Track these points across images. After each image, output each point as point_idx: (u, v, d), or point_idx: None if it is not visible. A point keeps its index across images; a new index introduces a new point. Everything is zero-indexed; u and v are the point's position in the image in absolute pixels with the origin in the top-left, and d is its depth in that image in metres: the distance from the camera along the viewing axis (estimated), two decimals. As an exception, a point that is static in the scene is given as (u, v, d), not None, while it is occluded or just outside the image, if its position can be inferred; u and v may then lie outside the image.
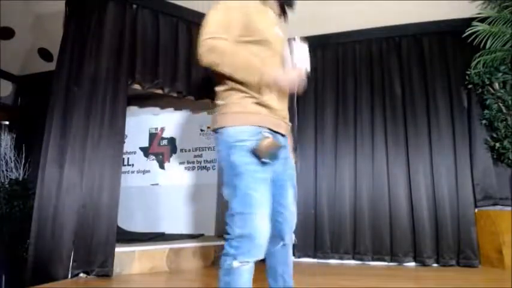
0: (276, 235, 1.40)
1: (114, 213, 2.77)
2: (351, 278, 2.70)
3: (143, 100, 4.36)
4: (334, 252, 3.33)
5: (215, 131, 1.38)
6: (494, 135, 3.08)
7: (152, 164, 4.39)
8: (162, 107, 4.44)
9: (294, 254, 3.43)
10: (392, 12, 3.42)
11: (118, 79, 2.90)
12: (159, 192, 4.25)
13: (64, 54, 2.95)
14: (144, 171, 4.39)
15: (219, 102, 1.41)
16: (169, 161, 4.33)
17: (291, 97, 1.50)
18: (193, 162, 4.23)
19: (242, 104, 1.33)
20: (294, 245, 1.56)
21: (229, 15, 1.37)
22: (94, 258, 2.62)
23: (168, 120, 4.41)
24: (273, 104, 1.36)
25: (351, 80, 3.64)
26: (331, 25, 3.62)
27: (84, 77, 2.81)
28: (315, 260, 3.35)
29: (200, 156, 4.22)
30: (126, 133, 3.12)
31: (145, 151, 4.45)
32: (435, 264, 3.09)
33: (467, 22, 3.11)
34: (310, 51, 1.37)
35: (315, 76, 3.61)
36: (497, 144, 3.04)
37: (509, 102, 3.01)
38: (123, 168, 4.06)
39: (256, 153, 1.27)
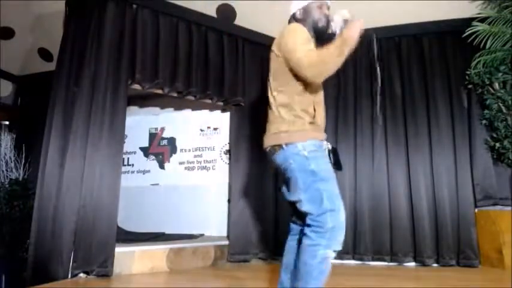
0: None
1: (114, 213, 2.77)
2: (351, 278, 2.70)
3: (143, 100, 4.36)
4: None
5: (274, 147, 1.61)
6: (494, 135, 3.08)
7: (152, 164, 4.39)
8: (162, 107, 4.44)
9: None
10: (392, 12, 3.42)
11: (118, 79, 2.90)
12: (159, 192, 4.25)
13: (64, 54, 2.95)
14: (144, 171, 4.38)
15: (275, 122, 1.64)
16: (169, 161, 4.33)
17: None
18: (193, 162, 4.23)
19: (301, 123, 1.60)
20: None
21: (304, 32, 1.61)
22: (94, 258, 2.61)
23: (168, 120, 4.41)
24: (321, 123, 1.66)
25: (351, 80, 3.64)
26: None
27: (84, 77, 2.81)
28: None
29: (200, 156, 4.22)
30: (126, 133, 3.12)
31: (145, 151, 4.45)
32: (435, 264, 3.09)
33: (467, 22, 3.11)
34: None
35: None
36: (497, 144, 3.04)
37: (509, 102, 3.01)
38: (123, 168, 4.06)
39: (332, 161, 1.61)
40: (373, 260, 3.26)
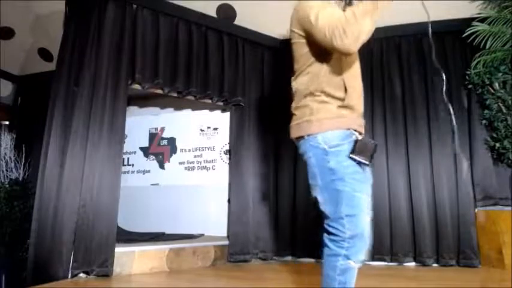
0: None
1: (114, 213, 2.77)
2: (351, 278, 2.69)
3: (143, 100, 4.36)
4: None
5: (299, 138, 1.41)
6: (494, 135, 3.08)
7: (152, 164, 4.39)
8: (162, 107, 4.44)
9: (293, 254, 3.45)
10: (392, 12, 3.41)
11: (118, 79, 2.90)
12: (159, 192, 4.25)
13: (64, 54, 2.95)
14: (144, 171, 4.39)
15: (298, 110, 1.42)
16: (169, 161, 4.33)
17: None
18: (193, 162, 4.23)
19: (327, 109, 1.35)
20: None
21: (332, 7, 1.36)
22: (94, 258, 2.61)
23: (168, 120, 4.41)
24: (356, 104, 1.38)
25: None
26: (331, 25, 3.62)
27: (84, 77, 2.81)
28: (315, 260, 3.35)
29: (200, 156, 4.22)
30: (126, 133, 3.12)
31: (145, 151, 4.45)
32: (435, 264, 3.09)
33: (467, 22, 3.11)
34: None
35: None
36: (497, 144, 3.04)
37: (509, 102, 3.01)
38: (123, 168, 4.06)
39: (353, 155, 1.31)
40: (373, 260, 3.26)
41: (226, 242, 3.36)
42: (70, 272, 2.55)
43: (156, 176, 4.33)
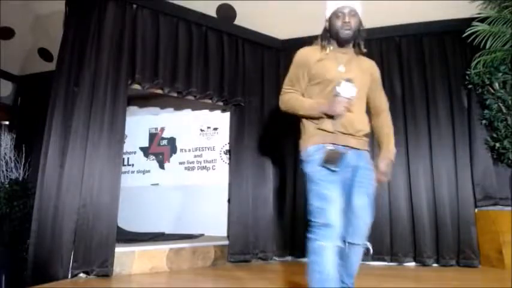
0: (345, 234, 1.66)
1: (114, 213, 2.77)
2: (351, 278, 2.70)
3: (143, 100, 4.36)
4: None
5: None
6: (494, 135, 3.08)
7: (152, 164, 4.39)
8: (162, 107, 4.44)
9: (293, 254, 3.45)
10: (392, 12, 3.42)
11: (118, 79, 2.90)
12: (159, 192, 4.25)
13: (64, 54, 2.95)
14: (144, 171, 4.39)
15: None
16: (169, 161, 4.33)
17: None
18: (193, 162, 4.23)
19: (308, 130, 1.75)
20: (365, 252, 1.75)
21: (296, 71, 1.78)
22: (94, 258, 2.61)
23: (168, 120, 4.41)
24: (328, 128, 1.67)
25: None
26: (331, 25, 3.62)
27: (84, 77, 2.81)
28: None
29: (200, 156, 4.22)
30: (126, 133, 3.12)
31: (145, 151, 4.45)
32: (435, 264, 3.09)
33: (467, 22, 3.11)
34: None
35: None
36: (497, 144, 3.04)
37: (509, 102, 3.01)
38: (123, 168, 4.06)
39: (322, 162, 1.62)
40: (373, 260, 3.26)
41: (226, 242, 3.36)
42: (70, 272, 2.55)
43: (156, 176, 4.33)
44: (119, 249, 2.77)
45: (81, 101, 2.77)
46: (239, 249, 3.31)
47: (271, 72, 3.71)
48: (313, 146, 1.68)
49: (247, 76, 3.61)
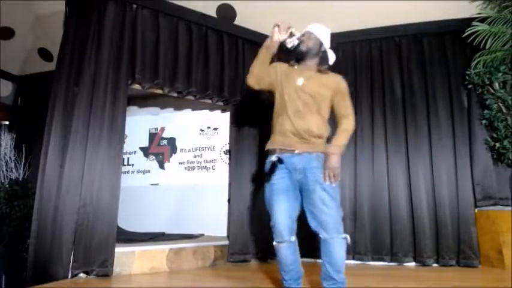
0: (313, 230, 1.87)
1: (114, 213, 2.77)
2: (351, 278, 2.69)
3: (143, 100, 4.36)
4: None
5: None
6: (494, 135, 3.08)
7: (152, 164, 4.39)
8: (162, 107, 4.44)
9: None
10: (392, 12, 3.42)
11: (118, 79, 2.90)
12: (159, 192, 4.25)
13: (64, 54, 2.95)
14: (144, 171, 4.39)
15: None
16: (169, 161, 4.33)
17: None
18: (193, 162, 4.23)
19: (271, 136, 2.05)
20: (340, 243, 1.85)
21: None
22: (94, 258, 2.61)
23: (168, 120, 4.41)
24: (283, 129, 1.96)
25: (351, 80, 3.64)
26: (331, 25, 3.61)
27: (84, 77, 2.80)
28: (315, 260, 3.34)
29: (200, 156, 4.22)
30: (126, 133, 3.12)
31: (145, 151, 4.45)
32: (435, 264, 3.09)
33: (467, 22, 3.11)
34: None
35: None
36: (497, 144, 3.04)
37: (509, 102, 3.01)
38: (123, 168, 4.06)
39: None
40: (373, 260, 3.26)
41: (226, 242, 3.36)
42: (70, 272, 2.55)
43: (156, 176, 4.33)
44: (119, 249, 2.77)
45: (81, 101, 2.77)
46: (239, 249, 3.31)
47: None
48: (268, 157, 1.97)
49: (247, 76, 3.60)
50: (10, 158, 3.94)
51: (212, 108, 4.11)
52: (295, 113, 1.93)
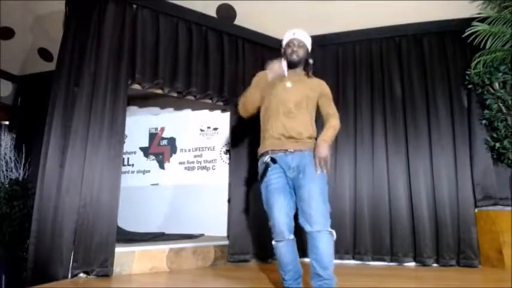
0: (300, 224, 1.88)
1: (114, 213, 2.77)
2: (351, 278, 2.70)
3: (143, 100, 4.36)
4: (335, 252, 3.32)
5: None
6: (494, 135, 3.08)
7: (152, 164, 4.39)
8: (162, 107, 4.44)
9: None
10: (392, 12, 3.42)
11: (118, 79, 2.90)
12: (159, 192, 4.25)
13: (64, 54, 2.95)
14: (144, 171, 4.39)
15: None
16: (169, 161, 4.33)
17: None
18: (193, 162, 4.23)
19: (261, 141, 2.12)
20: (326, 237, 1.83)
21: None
22: (94, 258, 2.61)
23: (168, 120, 4.41)
24: (273, 132, 2.01)
25: (351, 80, 3.65)
26: (331, 25, 3.63)
27: (84, 77, 2.80)
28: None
29: (200, 156, 4.22)
30: (126, 133, 3.12)
31: (145, 151, 4.45)
32: (435, 264, 3.09)
33: (467, 22, 3.11)
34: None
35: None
36: (497, 144, 3.04)
37: (509, 102, 3.02)
38: (123, 168, 4.07)
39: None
40: (373, 260, 3.26)
41: (226, 242, 3.36)
42: (70, 272, 2.55)
43: (156, 176, 4.33)
44: (119, 249, 2.77)
45: (81, 101, 2.77)
46: (239, 249, 3.31)
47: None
48: (260, 159, 2.06)
49: (247, 76, 3.60)
50: (10, 158, 3.94)
51: (212, 108, 4.10)
52: (286, 114, 1.99)
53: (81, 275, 2.60)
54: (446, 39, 3.43)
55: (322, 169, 1.88)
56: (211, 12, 3.53)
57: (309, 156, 1.94)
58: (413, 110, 3.40)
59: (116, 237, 2.76)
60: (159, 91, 3.18)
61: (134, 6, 3.09)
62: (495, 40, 3.05)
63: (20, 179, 3.86)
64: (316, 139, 2.00)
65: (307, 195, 1.86)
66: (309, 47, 2.18)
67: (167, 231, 3.81)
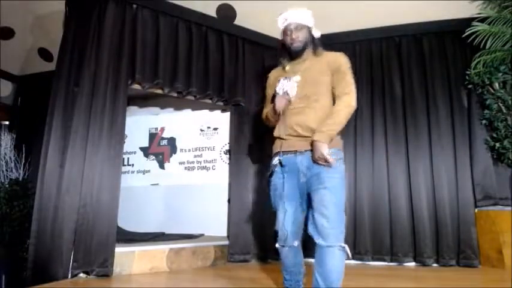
0: (309, 233, 1.73)
1: (114, 213, 2.77)
2: (351, 278, 2.69)
3: (143, 100, 4.36)
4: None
5: None
6: (494, 135, 3.08)
7: (152, 164, 4.39)
8: (162, 107, 4.44)
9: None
10: (393, 12, 3.42)
11: (118, 79, 2.90)
12: (159, 192, 4.25)
13: (64, 54, 2.95)
14: (144, 171, 4.38)
15: None
16: (169, 161, 4.33)
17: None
18: (193, 162, 4.23)
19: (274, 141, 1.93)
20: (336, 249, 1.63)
21: (266, 92, 2.07)
22: (94, 258, 2.61)
23: (168, 120, 4.41)
24: (279, 133, 1.85)
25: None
26: (331, 25, 3.62)
27: (84, 77, 2.80)
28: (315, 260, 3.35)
29: (200, 156, 4.22)
30: (126, 133, 3.12)
31: (145, 151, 4.45)
32: (435, 264, 3.09)
33: (467, 22, 3.11)
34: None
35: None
36: (497, 144, 3.04)
37: (509, 102, 3.02)
38: (123, 168, 4.06)
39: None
40: (373, 260, 3.26)
41: (226, 242, 3.36)
42: (70, 272, 2.55)
43: (156, 176, 4.33)
44: (119, 249, 2.77)
45: (81, 101, 2.77)
46: (239, 249, 3.31)
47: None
48: (273, 159, 1.86)
49: (247, 76, 3.61)
50: (10, 158, 3.94)
51: (212, 108, 4.11)
52: (294, 110, 1.78)
53: (81, 275, 2.60)
54: (446, 39, 3.43)
55: (326, 164, 1.66)
56: (211, 12, 3.53)
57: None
58: (413, 110, 3.40)
59: (116, 237, 2.76)
60: (159, 91, 3.18)
61: (134, 6, 3.09)
62: (495, 40, 3.05)
63: (20, 179, 3.86)
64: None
65: (319, 202, 1.66)
66: (310, 21, 1.88)
67: (167, 231, 3.81)
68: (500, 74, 3.06)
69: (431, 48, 3.47)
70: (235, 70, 3.55)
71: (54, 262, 2.53)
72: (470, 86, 3.24)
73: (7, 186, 3.73)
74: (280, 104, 1.78)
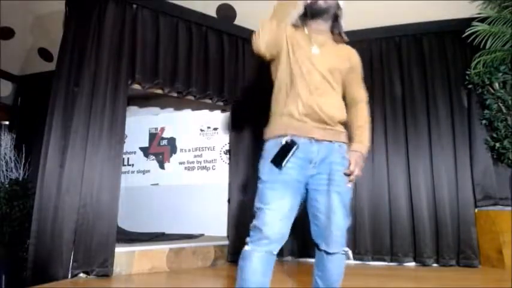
0: (313, 239, 1.53)
1: (114, 213, 2.77)
2: (351, 278, 2.69)
3: (143, 100, 4.36)
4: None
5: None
6: (494, 135, 3.08)
7: (152, 164, 4.39)
8: (162, 107, 4.44)
9: (293, 254, 3.44)
10: (393, 12, 3.42)
11: (118, 79, 2.90)
12: (159, 192, 4.25)
13: (64, 54, 2.95)
14: (144, 171, 4.39)
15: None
16: (169, 161, 4.33)
17: None
18: (193, 162, 4.23)
19: (272, 118, 1.54)
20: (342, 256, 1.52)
21: None
22: (94, 258, 2.62)
23: (168, 120, 4.41)
24: (294, 112, 1.46)
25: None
26: (331, 25, 3.63)
27: (84, 77, 2.81)
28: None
29: (200, 156, 4.22)
30: (126, 133, 3.12)
31: (145, 151, 4.45)
32: (435, 264, 3.09)
33: (467, 22, 3.11)
34: None
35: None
36: (497, 144, 3.04)
37: (509, 102, 3.01)
38: (123, 168, 4.06)
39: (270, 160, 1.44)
40: (373, 260, 3.26)
41: (226, 242, 3.36)
42: (70, 272, 2.55)
43: (156, 176, 4.33)
44: (119, 249, 2.77)
45: (81, 101, 2.77)
46: (239, 249, 3.29)
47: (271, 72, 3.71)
48: (274, 140, 1.48)
49: (247, 76, 3.61)
50: (10, 158, 3.94)
51: (212, 108, 4.11)
52: (314, 90, 1.46)
53: (81, 275, 2.60)
54: (446, 39, 3.43)
55: (350, 182, 1.49)
56: (211, 12, 3.53)
57: (340, 152, 1.49)
58: (413, 110, 3.40)
59: (116, 237, 2.76)
60: (159, 91, 3.19)
61: (134, 6, 3.09)
62: (495, 40, 3.05)
63: (20, 179, 3.86)
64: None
65: (327, 206, 1.45)
66: (341, 1, 1.61)
67: (167, 231, 3.81)
68: (500, 74, 3.06)
69: (431, 48, 3.47)
70: (235, 70, 3.55)
71: (54, 262, 2.53)
72: (470, 86, 3.24)
73: (7, 186, 3.73)
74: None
